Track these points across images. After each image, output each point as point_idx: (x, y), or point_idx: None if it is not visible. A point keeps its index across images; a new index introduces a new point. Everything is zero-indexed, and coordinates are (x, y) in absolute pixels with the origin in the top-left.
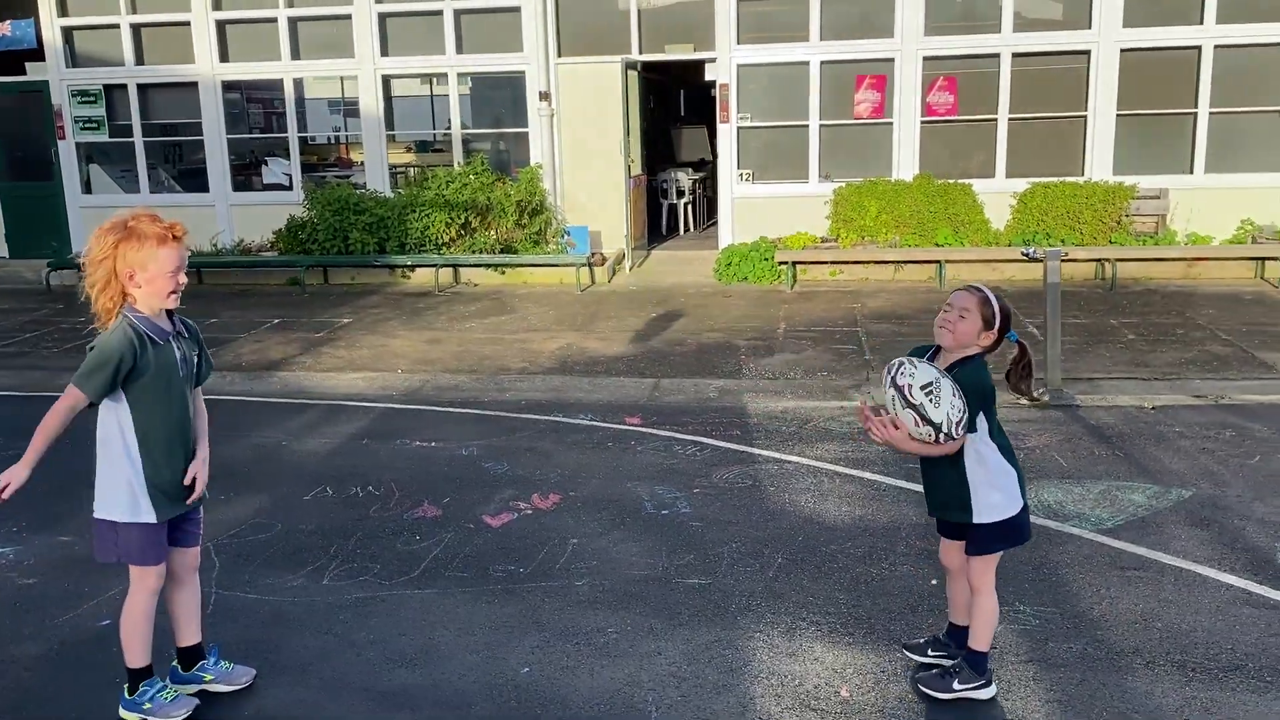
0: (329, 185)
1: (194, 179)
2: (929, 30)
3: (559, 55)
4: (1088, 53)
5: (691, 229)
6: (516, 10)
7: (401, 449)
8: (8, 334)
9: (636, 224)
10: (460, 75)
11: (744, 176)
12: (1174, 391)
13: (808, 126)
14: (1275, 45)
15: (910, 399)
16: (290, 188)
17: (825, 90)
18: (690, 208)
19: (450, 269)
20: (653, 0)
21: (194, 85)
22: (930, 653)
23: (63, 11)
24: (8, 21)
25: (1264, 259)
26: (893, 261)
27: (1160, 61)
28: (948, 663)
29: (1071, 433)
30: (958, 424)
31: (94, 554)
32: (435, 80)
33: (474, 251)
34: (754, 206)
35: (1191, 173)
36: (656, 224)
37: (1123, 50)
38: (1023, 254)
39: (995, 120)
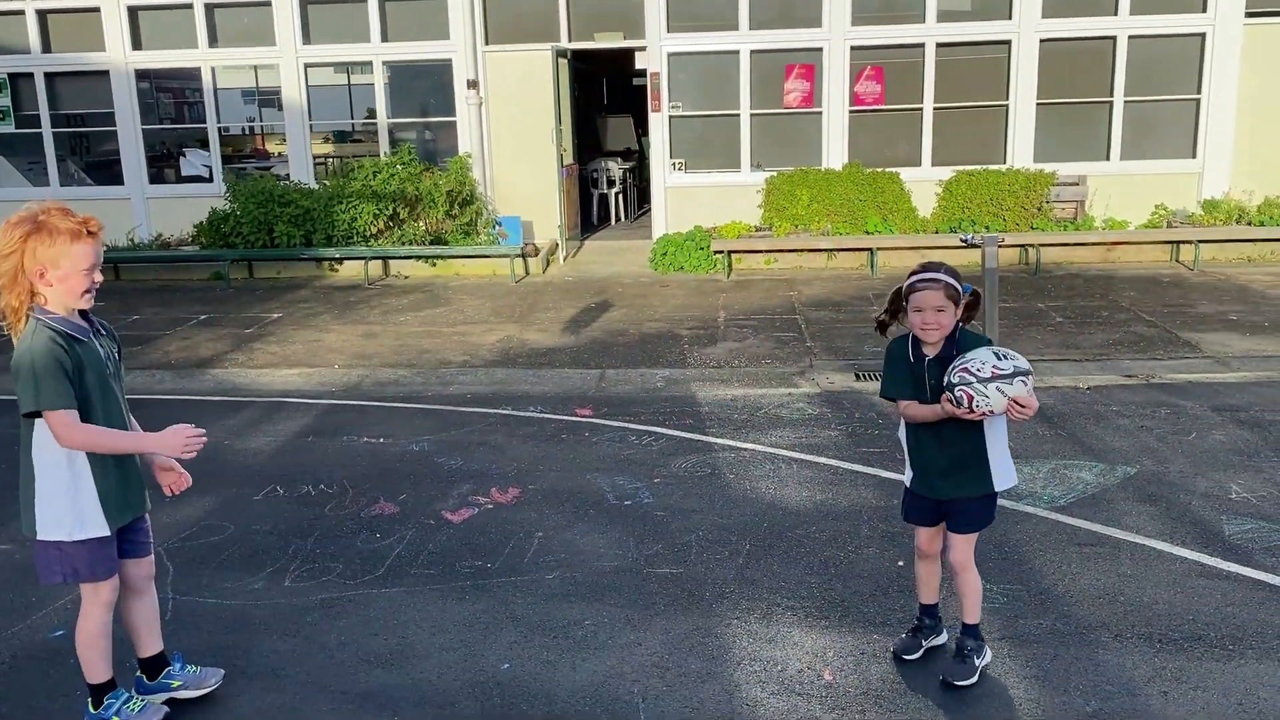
0: (251, 177)
1: (106, 171)
2: (855, 20)
3: (486, 43)
4: (1008, 43)
5: (623, 219)
6: None
7: (349, 446)
8: None
9: (570, 214)
10: (384, 64)
11: (676, 166)
12: (1106, 372)
13: (739, 116)
14: (1186, 35)
15: (1000, 370)
16: (210, 179)
17: (755, 79)
18: (621, 197)
19: (380, 261)
20: None
21: (105, 74)
22: (924, 643)
23: None
24: None
25: (1179, 242)
26: (826, 250)
27: (1078, 51)
28: (939, 641)
29: None
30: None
31: (39, 578)
32: (353, 69)
33: (404, 243)
34: (687, 196)
35: (1108, 159)
36: (588, 214)
37: (1042, 40)
38: (961, 239)
39: (921, 110)
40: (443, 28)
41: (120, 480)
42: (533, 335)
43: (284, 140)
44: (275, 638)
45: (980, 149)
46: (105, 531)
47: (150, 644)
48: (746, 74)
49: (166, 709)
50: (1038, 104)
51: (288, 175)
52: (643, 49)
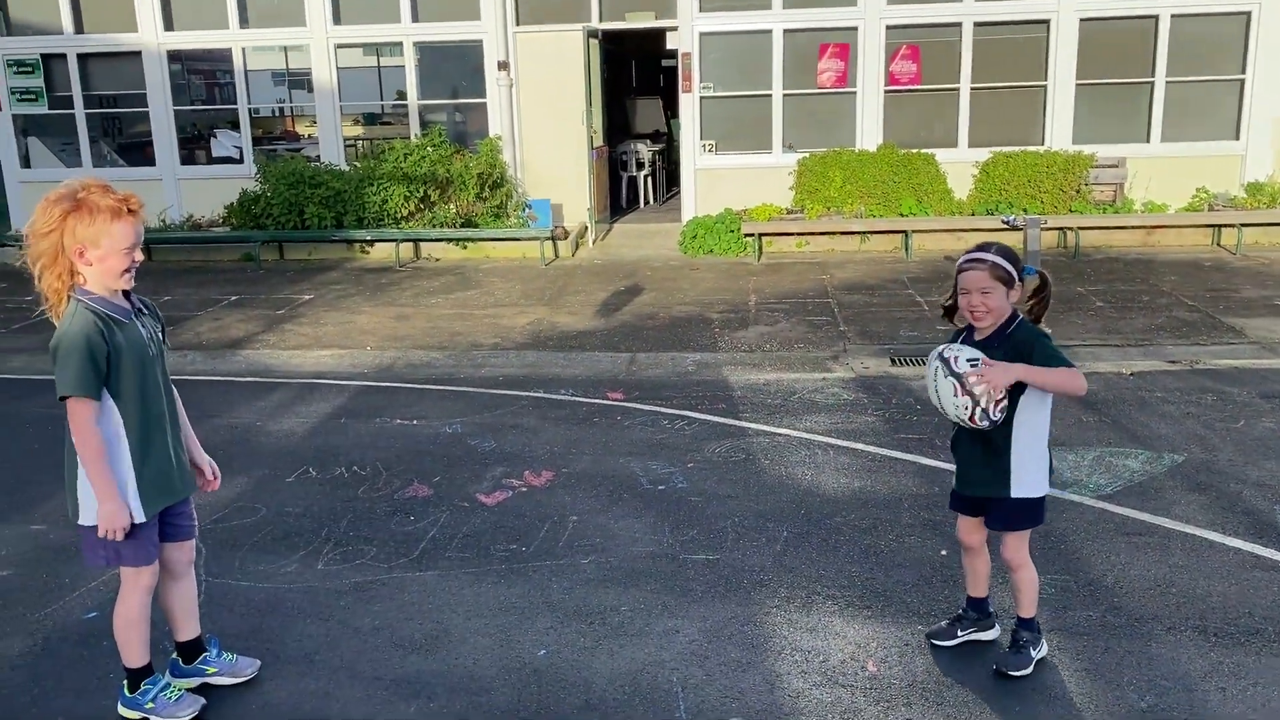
0: (281, 158)
1: (138, 152)
2: None
3: (517, 24)
4: (1048, 22)
5: (652, 201)
6: None
7: (383, 428)
8: None
9: (599, 197)
10: (415, 44)
11: (707, 147)
12: (1149, 357)
13: (771, 96)
14: (1229, 14)
15: (954, 369)
16: (241, 161)
17: (788, 59)
18: (650, 180)
19: (411, 243)
20: None
21: (138, 55)
22: (960, 634)
23: None
24: None
25: (1220, 226)
26: (859, 232)
27: (1118, 31)
28: (986, 636)
29: (1057, 400)
30: (998, 405)
31: (84, 560)
32: (383, 50)
33: (434, 225)
34: (717, 178)
35: (1149, 141)
36: (617, 196)
37: (1082, 19)
38: (1002, 221)
39: (957, 90)
40: (474, 7)
41: (161, 465)
42: (563, 318)
43: (314, 122)
44: (308, 622)
45: (1018, 130)
46: (142, 517)
47: (188, 628)
48: (779, 54)
49: (203, 700)
50: (1077, 84)
51: (318, 157)
52: (674, 29)
